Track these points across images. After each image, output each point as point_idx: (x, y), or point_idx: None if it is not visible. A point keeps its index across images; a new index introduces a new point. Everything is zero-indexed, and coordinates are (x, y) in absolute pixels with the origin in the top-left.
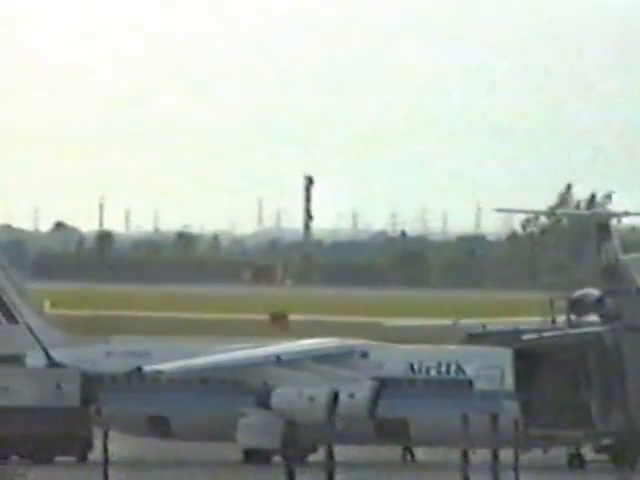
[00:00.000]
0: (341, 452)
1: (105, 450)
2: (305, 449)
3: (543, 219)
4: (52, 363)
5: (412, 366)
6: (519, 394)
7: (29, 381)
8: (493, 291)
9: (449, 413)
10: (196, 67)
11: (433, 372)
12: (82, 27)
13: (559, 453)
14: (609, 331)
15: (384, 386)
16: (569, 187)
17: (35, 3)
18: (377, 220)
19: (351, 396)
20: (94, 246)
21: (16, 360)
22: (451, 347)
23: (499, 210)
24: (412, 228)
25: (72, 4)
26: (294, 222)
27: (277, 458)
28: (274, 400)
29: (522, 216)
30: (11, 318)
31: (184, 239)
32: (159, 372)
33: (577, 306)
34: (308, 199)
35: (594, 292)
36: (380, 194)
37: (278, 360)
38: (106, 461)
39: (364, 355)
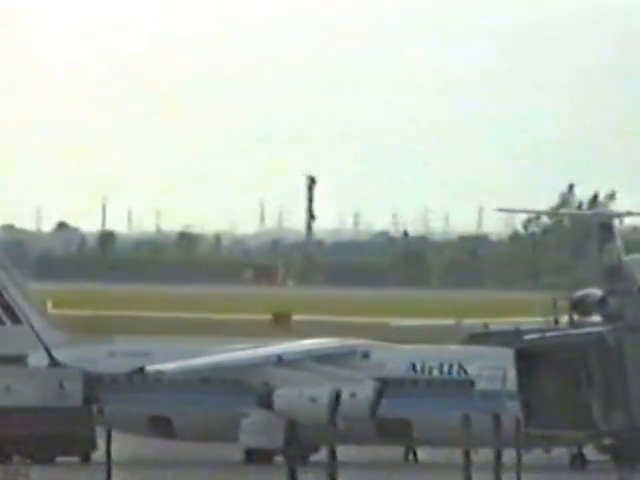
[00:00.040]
0: (343, 452)
1: (107, 450)
2: (307, 449)
3: (545, 219)
4: (54, 363)
5: (414, 366)
6: (521, 394)
7: (31, 381)
8: (495, 291)
9: (451, 413)
10: (198, 67)
11: (435, 372)
12: (84, 26)
13: (561, 453)
14: (611, 331)
15: (386, 386)
16: (571, 187)
17: (36, 3)
18: (379, 220)
19: (353, 396)
20: (96, 246)
21: (19, 360)
22: (453, 347)
23: (501, 210)
24: (414, 228)
25: (73, 4)
26: (296, 222)
27: (279, 458)
28: (276, 400)
29: (524, 216)
30: (14, 318)
31: (186, 239)
32: (161, 372)
33: (580, 306)
34: (310, 199)
35: (597, 292)
36: (382, 194)
37: (280, 360)
38: (109, 461)
39: (366, 355)
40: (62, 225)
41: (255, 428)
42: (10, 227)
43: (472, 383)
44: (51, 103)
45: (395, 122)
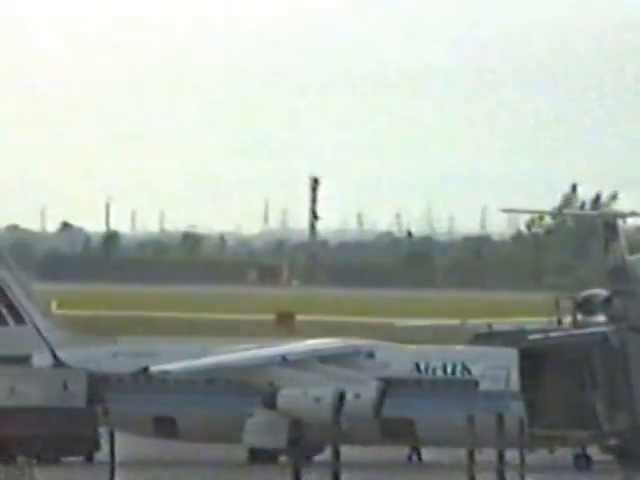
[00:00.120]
0: (347, 452)
1: (112, 450)
2: (311, 449)
3: (548, 220)
4: (59, 363)
5: (418, 366)
6: (525, 394)
7: (36, 381)
8: (498, 291)
9: (455, 413)
10: (200, 67)
11: (439, 372)
12: (86, 26)
13: (565, 453)
14: (615, 331)
15: (390, 386)
16: (574, 187)
17: (37, 3)
18: (383, 220)
19: (357, 396)
20: (100, 246)
21: (23, 361)
22: (457, 347)
23: (505, 210)
24: (418, 228)
25: (74, 5)
26: (300, 222)
27: (283, 458)
28: (280, 400)
29: (527, 217)
30: (18, 318)
31: (190, 239)
32: (165, 372)
33: (585, 306)
34: (314, 200)
35: (602, 292)
36: (386, 194)
37: (284, 360)
38: (112, 461)
39: (370, 355)
40: (66, 225)
41: (259, 428)
42: (14, 227)
43: (476, 383)
44: (54, 103)
45: (398, 122)
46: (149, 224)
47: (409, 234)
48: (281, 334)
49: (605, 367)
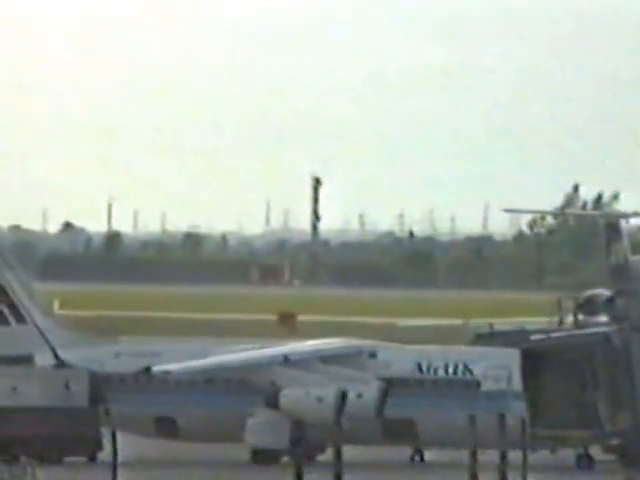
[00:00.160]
0: (349, 452)
1: (114, 450)
2: (313, 449)
3: (550, 219)
4: (60, 363)
5: (420, 366)
6: (527, 394)
7: (37, 381)
8: (500, 291)
9: (456, 413)
10: (201, 66)
11: (441, 372)
12: (88, 26)
13: (567, 453)
14: (617, 331)
15: (392, 386)
16: (576, 188)
17: (39, 4)
18: (384, 220)
19: (359, 396)
20: (102, 247)
21: (25, 360)
22: (458, 347)
23: (507, 210)
24: (419, 228)
25: (76, 6)
26: (302, 222)
27: (285, 458)
28: (282, 400)
29: (529, 216)
30: (20, 318)
31: (192, 239)
32: (167, 372)
33: (587, 306)
34: (316, 199)
35: (605, 292)
36: (387, 194)
37: (286, 360)
38: (115, 461)
39: (372, 355)
40: (68, 225)
41: (261, 428)
42: (17, 227)
43: (478, 383)
44: (57, 103)
45: (400, 122)
46: (151, 224)
47: (411, 234)
48: (283, 334)
49: (607, 367)
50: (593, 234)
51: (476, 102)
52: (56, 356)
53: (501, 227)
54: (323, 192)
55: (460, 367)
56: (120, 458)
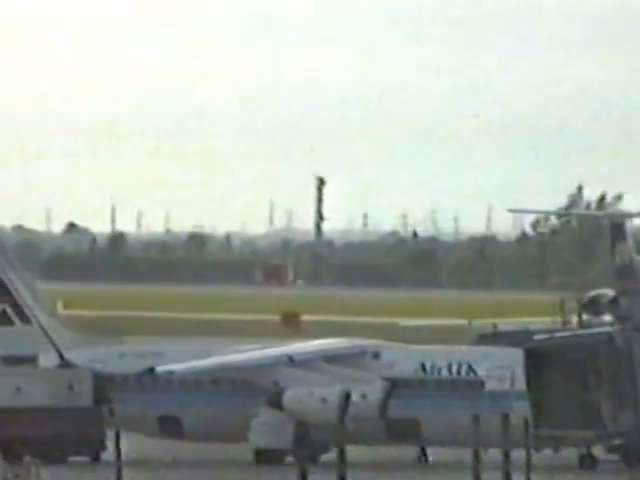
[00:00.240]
0: (353, 452)
1: (117, 450)
2: (317, 449)
3: (553, 220)
4: (65, 363)
5: (423, 366)
6: (530, 394)
7: (41, 381)
8: (503, 291)
9: (460, 413)
10: (203, 66)
11: (444, 372)
12: (90, 28)
13: (570, 453)
14: (620, 331)
15: (395, 386)
16: (580, 188)
17: (42, 5)
18: (388, 221)
19: (362, 396)
20: (106, 247)
21: (29, 361)
22: (462, 347)
23: (512, 210)
24: (423, 228)
25: (77, 7)
26: (305, 223)
27: (289, 458)
28: (286, 400)
29: (532, 217)
30: (24, 319)
31: (196, 239)
32: (171, 372)
33: (591, 306)
34: (319, 200)
35: (609, 292)
36: (391, 195)
37: (290, 360)
38: (119, 461)
39: (376, 355)
40: (72, 226)
41: (265, 428)
42: (20, 227)
43: (481, 383)
44: (60, 104)
45: (403, 122)
46: (155, 224)
47: (414, 234)
48: (286, 334)
49: (610, 367)
50: (596, 234)
51: (479, 102)
52: (60, 356)
53: (504, 227)
54: (327, 192)
55: (464, 367)
56: (124, 458)
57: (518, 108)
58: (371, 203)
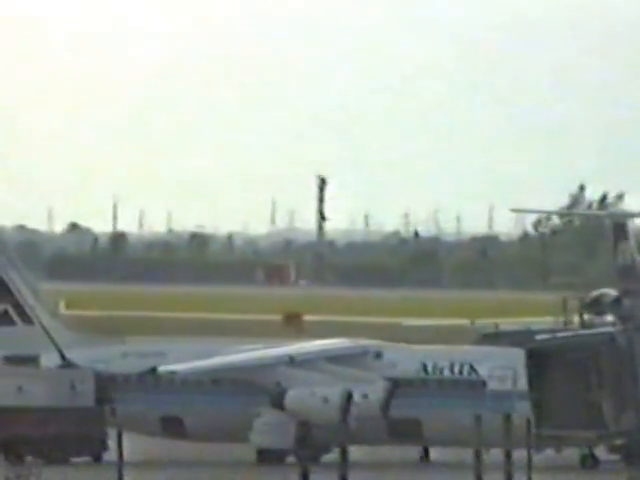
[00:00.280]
0: (355, 452)
1: (119, 450)
2: (319, 449)
3: (555, 220)
4: (66, 363)
5: (425, 366)
6: (532, 394)
7: (43, 381)
8: (505, 291)
9: (462, 413)
10: (206, 66)
11: (446, 372)
12: (92, 30)
13: (572, 453)
14: (622, 331)
15: (397, 386)
16: (582, 188)
17: (43, 7)
18: (390, 221)
19: (364, 396)
20: (108, 247)
21: (31, 360)
22: (464, 347)
23: (514, 210)
24: (425, 228)
25: (78, 9)
26: (307, 223)
27: (291, 458)
28: (288, 400)
29: (534, 217)
30: (26, 319)
31: (197, 239)
32: (173, 372)
33: (594, 306)
34: (321, 200)
35: (611, 292)
36: (393, 194)
37: (292, 360)
38: (120, 461)
39: (378, 355)
40: (74, 226)
41: (267, 428)
42: (22, 227)
43: (483, 383)
44: (62, 104)
45: (404, 122)
46: (156, 224)
47: (416, 234)
48: (288, 334)
49: (612, 367)
50: (598, 234)
51: (481, 102)
52: (62, 356)
53: (506, 227)
54: (329, 192)
55: (466, 367)
56: (126, 458)
57: (518, 108)
58: (373, 203)
